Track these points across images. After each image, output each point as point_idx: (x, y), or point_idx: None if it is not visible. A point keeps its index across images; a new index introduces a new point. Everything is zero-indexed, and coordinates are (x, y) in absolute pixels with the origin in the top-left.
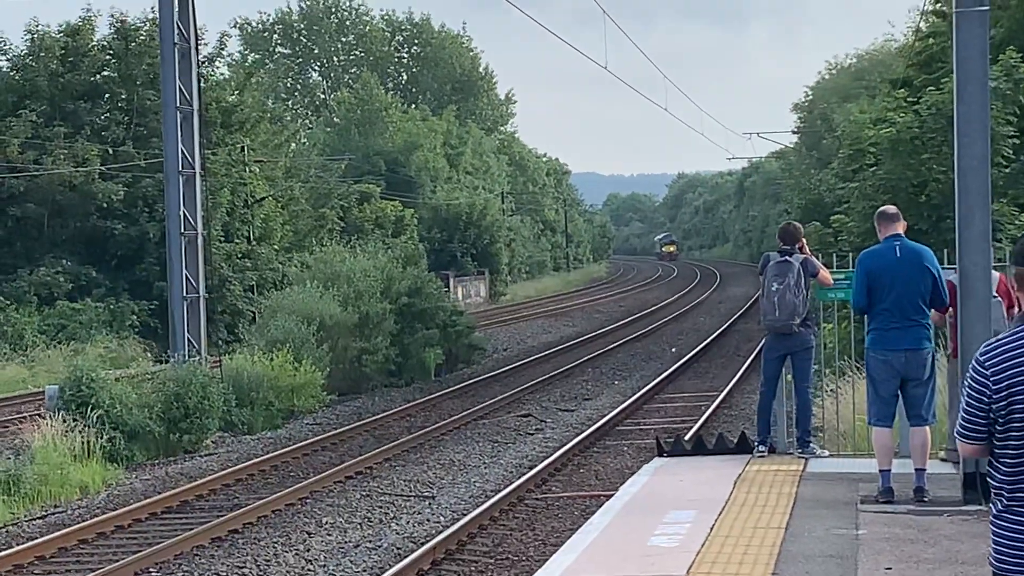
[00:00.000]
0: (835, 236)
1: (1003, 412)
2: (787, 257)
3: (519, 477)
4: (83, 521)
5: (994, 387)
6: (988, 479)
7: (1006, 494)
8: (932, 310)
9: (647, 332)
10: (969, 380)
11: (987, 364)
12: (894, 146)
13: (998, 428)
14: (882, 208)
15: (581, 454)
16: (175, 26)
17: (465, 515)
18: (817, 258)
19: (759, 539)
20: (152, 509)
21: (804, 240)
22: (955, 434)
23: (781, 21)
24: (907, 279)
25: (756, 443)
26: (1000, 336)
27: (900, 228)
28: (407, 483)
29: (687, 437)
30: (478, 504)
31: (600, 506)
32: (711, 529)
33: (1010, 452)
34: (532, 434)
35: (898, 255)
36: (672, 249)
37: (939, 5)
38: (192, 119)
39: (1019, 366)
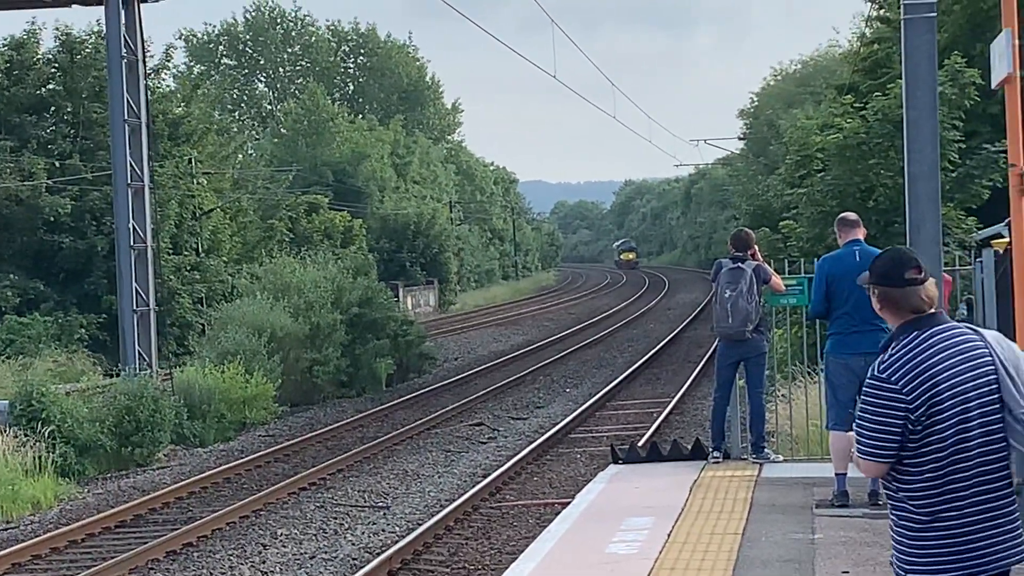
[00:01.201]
0: (784, 242)
1: (923, 421)
2: (739, 264)
3: (473, 486)
4: (36, 537)
5: (908, 399)
6: (891, 492)
7: (927, 508)
8: None
9: (597, 339)
10: (873, 400)
11: (895, 379)
12: (841, 152)
13: (912, 440)
14: (843, 214)
15: (534, 462)
16: (122, 39)
17: (420, 525)
18: (768, 264)
19: (716, 545)
20: (105, 523)
21: (756, 246)
22: (858, 454)
23: (725, 27)
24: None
25: (711, 449)
26: (893, 351)
27: (860, 234)
28: (361, 494)
29: (641, 444)
30: (433, 514)
31: (556, 514)
32: (669, 535)
33: (926, 465)
34: (485, 443)
35: (858, 260)
36: (631, 256)
37: (883, 11)
38: (140, 132)
39: (931, 371)
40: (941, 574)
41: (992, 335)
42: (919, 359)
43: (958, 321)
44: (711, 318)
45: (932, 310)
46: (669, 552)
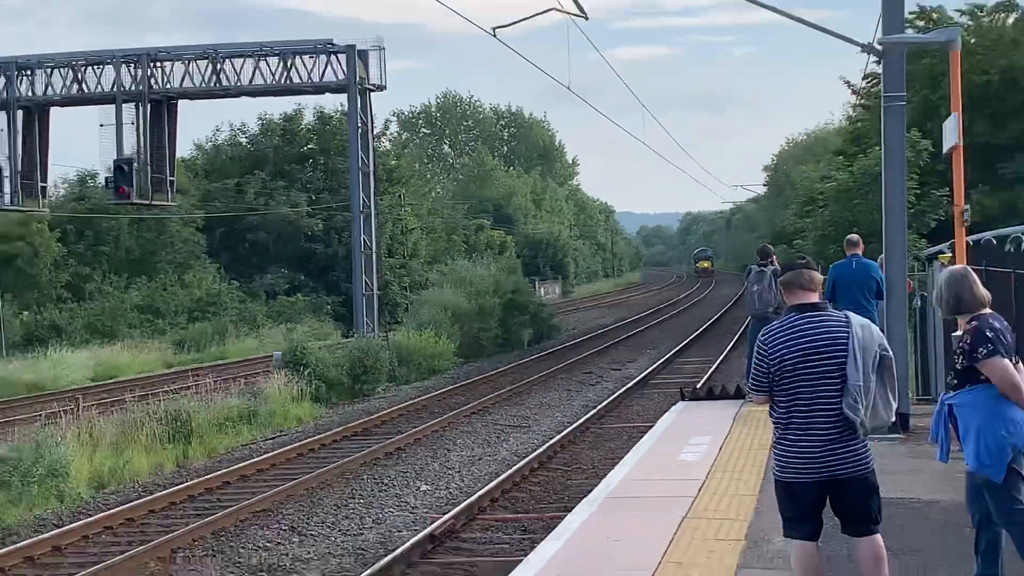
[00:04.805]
0: (796, 254)
1: (775, 374)
2: (763, 267)
3: (587, 413)
4: (299, 441)
5: (769, 357)
6: (770, 416)
7: (781, 426)
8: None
9: (668, 318)
10: (756, 352)
11: (765, 342)
12: (835, 195)
13: (774, 384)
14: (849, 235)
15: (627, 398)
16: (357, 115)
17: (551, 439)
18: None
19: (754, 455)
20: (345, 433)
21: (774, 256)
22: (748, 387)
23: (751, 110)
24: (859, 282)
25: (748, 392)
26: (775, 323)
27: (860, 250)
28: (512, 417)
29: (699, 387)
30: (560, 431)
31: (643, 433)
32: (720, 448)
33: (780, 400)
34: (594, 385)
35: (854, 267)
36: (707, 264)
37: (864, 101)
38: (369, 177)
39: (783, 342)
40: (787, 471)
41: (859, 323)
42: (782, 333)
43: (914, 308)
44: (744, 304)
45: (815, 300)
46: (720, 459)
